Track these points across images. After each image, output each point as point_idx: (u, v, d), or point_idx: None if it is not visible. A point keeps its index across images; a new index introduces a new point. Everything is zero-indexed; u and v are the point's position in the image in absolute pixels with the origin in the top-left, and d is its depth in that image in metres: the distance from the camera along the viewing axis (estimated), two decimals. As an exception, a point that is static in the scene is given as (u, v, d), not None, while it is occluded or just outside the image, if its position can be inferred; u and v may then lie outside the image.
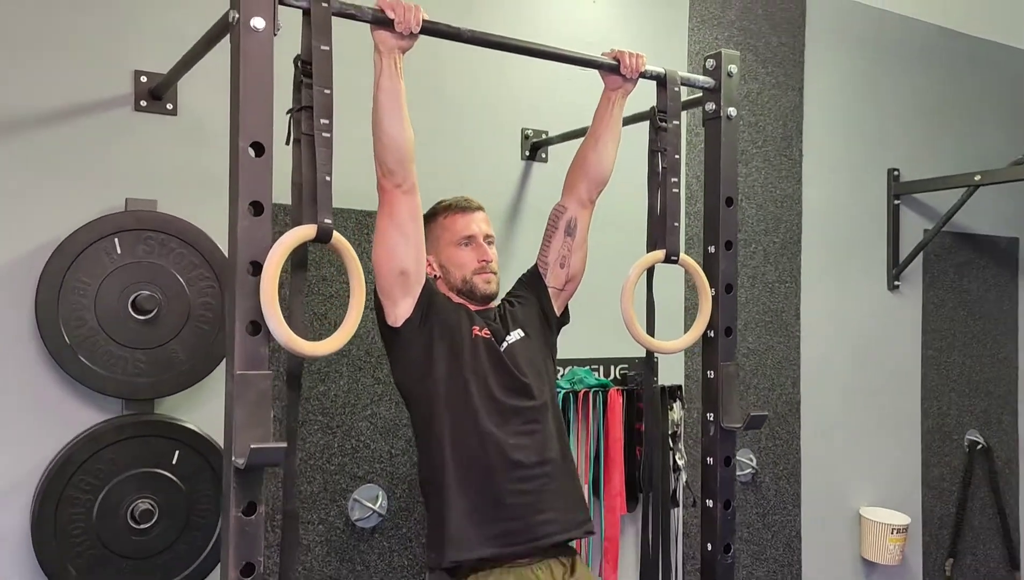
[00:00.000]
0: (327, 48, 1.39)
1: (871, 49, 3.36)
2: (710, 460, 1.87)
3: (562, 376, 2.51)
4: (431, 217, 1.94)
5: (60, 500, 1.81)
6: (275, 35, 1.33)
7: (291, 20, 1.37)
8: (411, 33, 1.53)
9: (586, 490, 2.46)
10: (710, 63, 1.88)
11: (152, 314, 1.89)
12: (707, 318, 1.84)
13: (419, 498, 2.35)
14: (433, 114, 2.37)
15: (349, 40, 1.57)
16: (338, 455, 2.26)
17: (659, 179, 1.84)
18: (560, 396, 2.39)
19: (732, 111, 1.87)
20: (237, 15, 1.30)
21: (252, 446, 1.24)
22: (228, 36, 1.35)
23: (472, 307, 1.91)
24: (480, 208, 1.98)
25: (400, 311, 1.75)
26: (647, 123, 1.88)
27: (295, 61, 1.42)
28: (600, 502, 2.55)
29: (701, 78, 1.88)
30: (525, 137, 2.55)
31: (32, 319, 1.84)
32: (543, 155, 2.57)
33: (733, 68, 1.87)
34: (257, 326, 1.31)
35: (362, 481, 2.28)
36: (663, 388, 2.67)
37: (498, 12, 2.51)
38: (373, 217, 1.79)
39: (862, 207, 3.35)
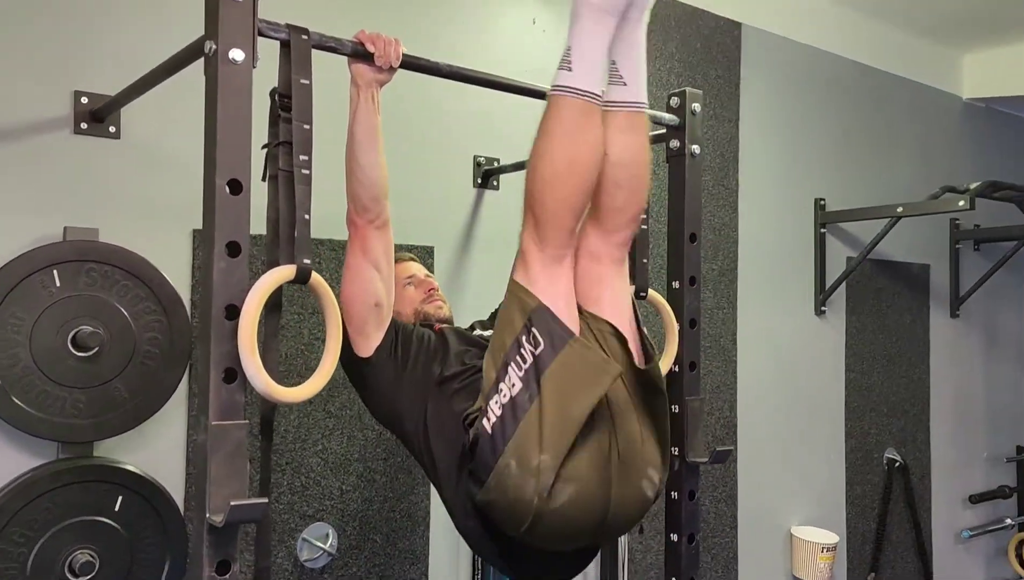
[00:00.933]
0: (307, 82, 1.34)
1: (802, 83, 3.49)
2: (674, 495, 1.88)
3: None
4: None
5: (-10, 554, 1.66)
6: (254, 68, 1.27)
7: (265, 51, 1.31)
8: (390, 67, 1.49)
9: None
10: (674, 101, 1.90)
11: (94, 351, 1.77)
12: (674, 353, 1.85)
13: (370, 535, 2.28)
14: (386, 138, 2.31)
15: (322, 70, 1.51)
16: (287, 493, 2.16)
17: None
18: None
19: (696, 148, 1.89)
20: (214, 46, 1.23)
21: (233, 503, 1.17)
22: (198, 65, 1.28)
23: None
24: (414, 258, 2.02)
25: (372, 342, 1.69)
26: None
27: (271, 94, 1.36)
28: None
29: (666, 115, 1.89)
30: (477, 164, 2.52)
31: (-41, 357, 1.69)
32: (495, 183, 2.55)
33: (696, 106, 1.90)
34: (233, 373, 1.24)
35: (312, 519, 2.19)
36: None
37: (442, 39, 2.47)
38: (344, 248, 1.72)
39: (793, 235, 3.46)
